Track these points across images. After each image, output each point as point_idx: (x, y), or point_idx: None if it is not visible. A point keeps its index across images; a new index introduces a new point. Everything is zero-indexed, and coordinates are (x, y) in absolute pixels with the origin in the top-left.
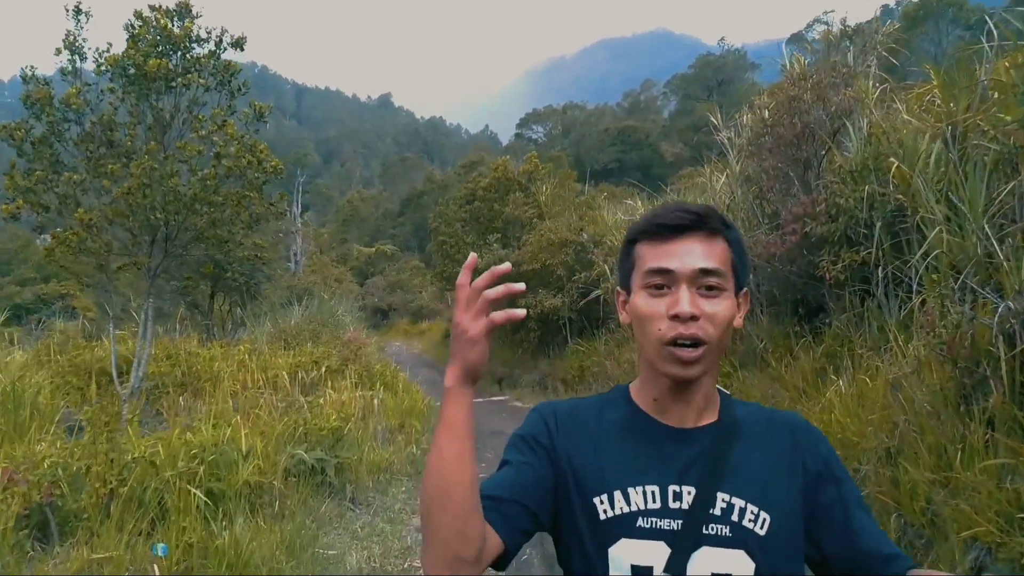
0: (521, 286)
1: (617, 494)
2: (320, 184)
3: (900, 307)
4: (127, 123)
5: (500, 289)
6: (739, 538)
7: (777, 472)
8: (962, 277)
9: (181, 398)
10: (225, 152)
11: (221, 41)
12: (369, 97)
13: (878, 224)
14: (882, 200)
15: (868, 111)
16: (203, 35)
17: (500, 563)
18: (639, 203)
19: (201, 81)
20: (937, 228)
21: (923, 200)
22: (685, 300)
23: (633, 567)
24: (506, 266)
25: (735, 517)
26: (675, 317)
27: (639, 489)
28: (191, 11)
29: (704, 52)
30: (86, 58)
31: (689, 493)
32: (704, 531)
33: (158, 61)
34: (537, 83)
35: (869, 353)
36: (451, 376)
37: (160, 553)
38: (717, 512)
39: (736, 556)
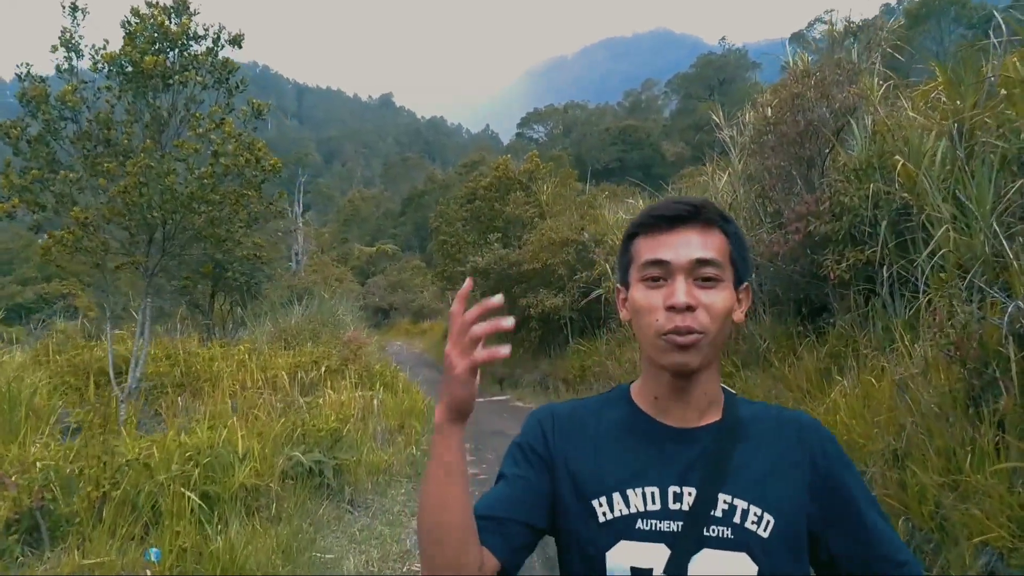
0: (498, 299)
1: (616, 496)
2: (321, 184)
3: (907, 307)
4: (124, 121)
5: (486, 326)
6: (741, 540)
7: (782, 472)
8: (970, 276)
9: (180, 398)
10: (223, 150)
11: (219, 38)
12: (370, 97)
13: (883, 223)
14: (887, 198)
15: (873, 108)
16: (200, 32)
17: None
18: (640, 202)
19: (199, 79)
20: (944, 227)
21: (929, 198)
22: (681, 291)
23: (633, 569)
24: (498, 299)
25: (737, 519)
26: (671, 308)
27: (638, 491)
28: (188, 8)
29: (705, 51)
30: (82, 55)
31: (690, 494)
32: (705, 533)
33: (155, 58)
34: (538, 83)
35: (874, 353)
36: (440, 413)
37: (153, 558)
38: (719, 514)
39: (738, 559)
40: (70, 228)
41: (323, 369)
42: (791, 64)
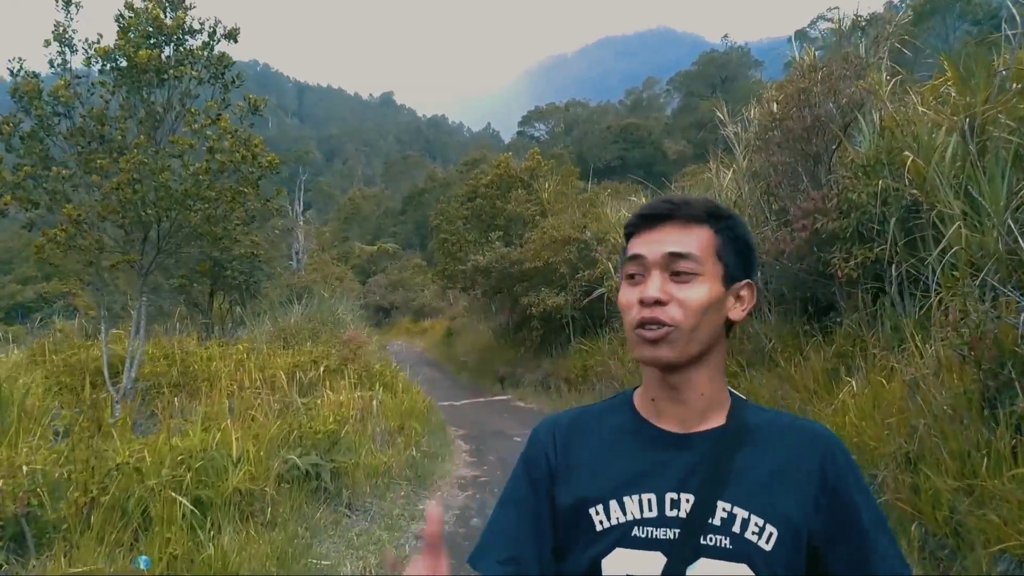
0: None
1: (613, 503)
2: (322, 182)
3: (917, 306)
4: (118, 117)
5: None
6: (741, 551)
7: (788, 482)
8: (982, 275)
9: (176, 399)
10: (219, 146)
11: (215, 32)
12: (371, 95)
13: (892, 220)
14: (896, 195)
15: (881, 104)
16: (196, 26)
17: None
18: (643, 199)
19: (194, 73)
20: (956, 224)
21: (940, 195)
22: (652, 285)
23: None
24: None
25: (736, 528)
26: (641, 302)
27: (635, 498)
28: (184, 1)
29: (706, 49)
30: (76, 50)
31: (688, 501)
32: (702, 542)
33: (148, 52)
34: (539, 81)
35: (883, 353)
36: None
37: (142, 566)
38: (717, 522)
39: (738, 570)
40: (63, 226)
41: (322, 369)
42: (797, 59)
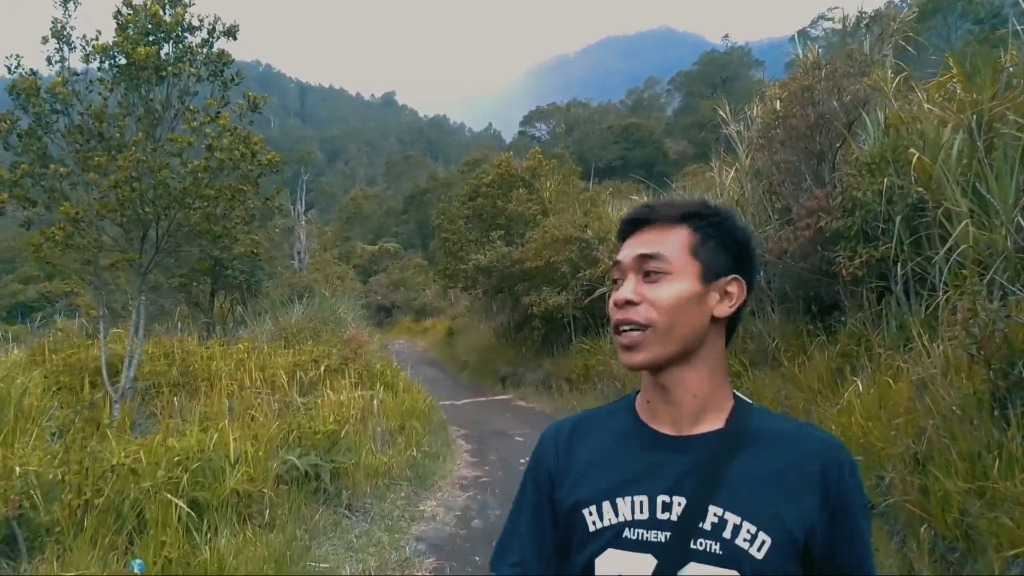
0: None
1: (606, 504)
2: (324, 182)
3: (925, 306)
4: (116, 114)
5: None
6: (731, 557)
7: (787, 489)
8: (991, 273)
9: (176, 399)
10: (218, 144)
11: (214, 29)
12: (373, 96)
13: (897, 218)
14: (901, 193)
15: (886, 101)
16: (195, 23)
17: None
18: (644, 199)
19: (193, 71)
20: (963, 222)
21: (947, 192)
22: (625, 287)
23: None
24: None
25: (727, 534)
26: (614, 304)
27: (627, 499)
28: None
29: (707, 49)
30: (74, 47)
31: (680, 504)
32: (692, 546)
33: (147, 49)
34: (540, 81)
35: (889, 353)
36: None
37: (137, 570)
38: (707, 527)
39: None
40: (61, 224)
41: (323, 368)
42: (801, 57)
